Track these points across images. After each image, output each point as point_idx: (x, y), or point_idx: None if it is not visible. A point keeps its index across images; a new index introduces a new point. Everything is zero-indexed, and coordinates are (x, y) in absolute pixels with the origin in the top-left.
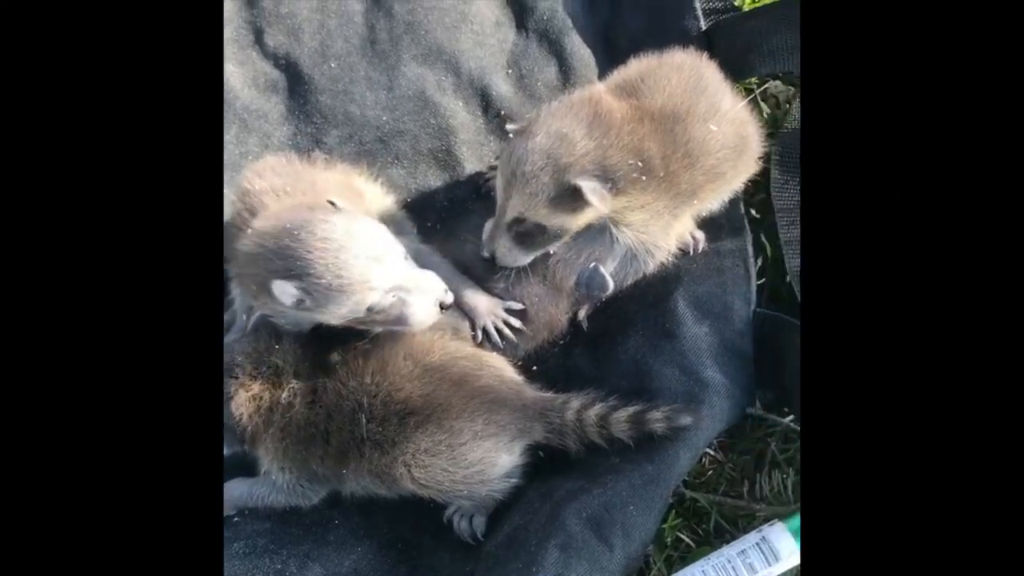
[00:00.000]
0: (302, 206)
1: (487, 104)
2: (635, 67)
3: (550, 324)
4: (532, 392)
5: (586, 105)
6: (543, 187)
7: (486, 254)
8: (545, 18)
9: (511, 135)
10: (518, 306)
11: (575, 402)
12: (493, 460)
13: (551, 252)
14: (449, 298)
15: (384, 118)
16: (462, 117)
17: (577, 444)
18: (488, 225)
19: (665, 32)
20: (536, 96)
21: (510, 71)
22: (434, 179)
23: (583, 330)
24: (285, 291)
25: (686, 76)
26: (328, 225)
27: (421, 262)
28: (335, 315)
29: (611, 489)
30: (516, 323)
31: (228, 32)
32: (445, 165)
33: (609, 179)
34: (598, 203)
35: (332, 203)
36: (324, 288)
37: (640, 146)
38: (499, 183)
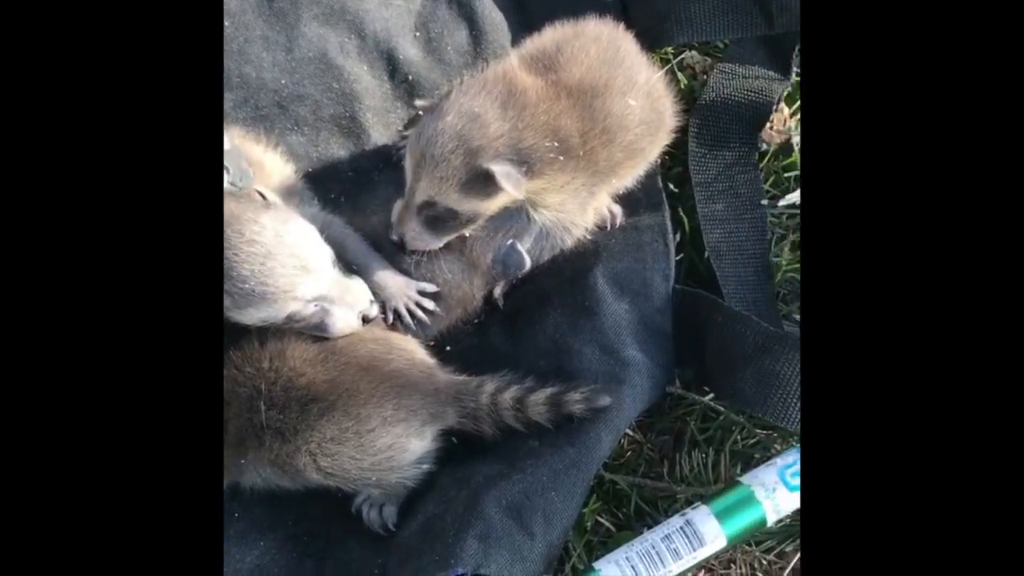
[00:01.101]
0: (228, 196)
1: (394, 69)
2: (550, 36)
3: (464, 301)
4: (444, 375)
5: (500, 83)
6: (454, 171)
7: (395, 237)
8: None
9: (420, 112)
10: (431, 288)
11: (489, 385)
12: (403, 446)
13: (466, 234)
14: (373, 311)
15: (283, 81)
16: (367, 82)
17: (493, 428)
18: (397, 206)
19: None
20: (446, 61)
21: (418, 34)
22: (337, 148)
23: (499, 308)
24: None
25: (604, 48)
26: (257, 227)
27: (329, 234)
28: (252, 318)
29: (531, 475)
30: (429, 305)
31: None
32: (349, 133)
33: (524, 162)
34: (512, 189)
35: (261, 195)
36: (246, 293)
37: (557, 125)
38: (408, 164)
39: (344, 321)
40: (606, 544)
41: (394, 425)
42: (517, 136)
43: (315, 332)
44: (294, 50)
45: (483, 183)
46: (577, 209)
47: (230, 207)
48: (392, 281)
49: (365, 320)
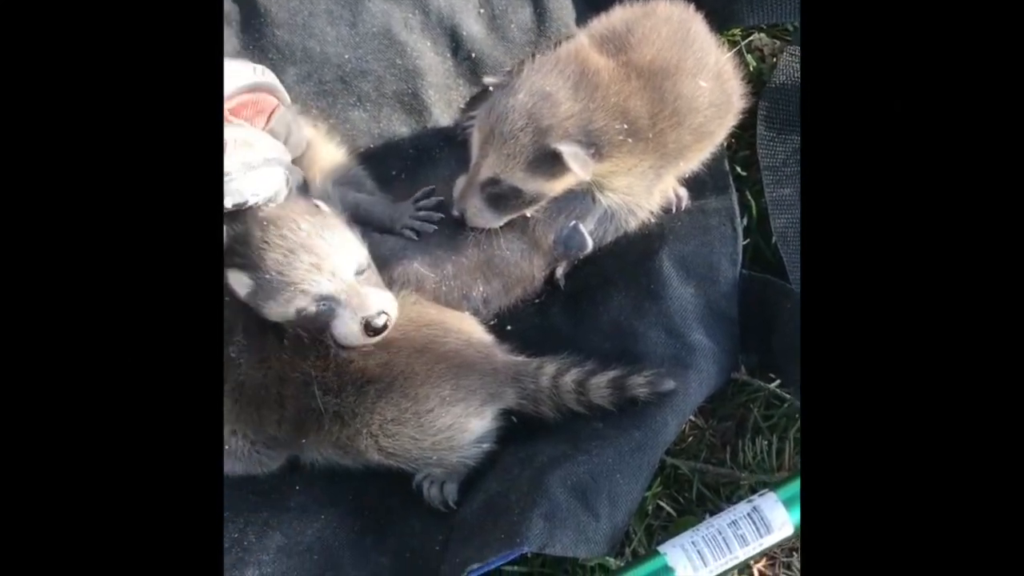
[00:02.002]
0: (294, 203)
1: (457, 45)
2: (620, 16)
3: (524, 281)
4: (503, 355)
5: (572, 62)
6: (522, 149)
7: (456, 212)
8: None
9: (490, 88)
10: (428, 191)
11: (550, 367)
12: (463, 426)
13: (528, 215)
14: (380, 321)
15: (346, 56)
16: (430, 58)
17: (554, 411)
18: (460, 182)
19: None
20: (509, 39)
21: (482, 11)
22: (399, 124)
23: (560, 289)
24: (240, 281)
25: (674, 29)
26: (294, 226)
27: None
28: (272, 312)
29: (597, 456)
30: (434, 216)
31: None
32: (411, 109)
33: (593, 144)
34: (580, 170)
35: (317, 206)
36: (265, 283)
37: (626, 107)
38: (475, 139)
39: (346, 328)
40: (667, 528)
41: (453, 405)
42: (587, 117)
43: (322, 335)
44: (358, 24)
45: (550, 163)
46: (643, 192)
47: (284, 208)
48: (394, 210)
49: (369, 327)
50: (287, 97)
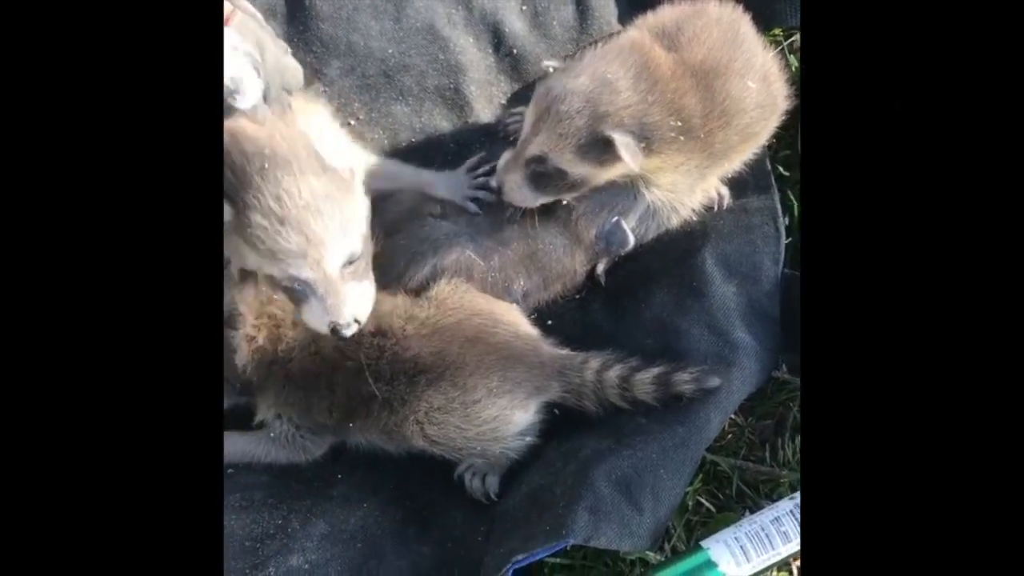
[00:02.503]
0: (307, 148)
1: (499, 42)
2: (670, 14)
3: (564, 276)
4: (549, 349)
5: (636, 53)
6: (575, 131)
7: (494, 183)
8: None
9: (549, 70)
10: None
11: (594, 361)
12: (508, 418)
13: (563, 202)
14: (348, 332)
15: (389, 50)
16: (472, 54)
17: (597, 406)
18: (505, 155)
19: None
20: (551, 36)
21: (524, 7)
22: (440, 119)
23: (601, 285)
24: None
25: (724, 29)
26: (293, 189)
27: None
28: (243, 254)
29: (640, 451)
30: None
31: None
32: (453, 105)
33: (646, 137)
34: (630, 160)
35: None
36: (246, 232)
37: (681, 104)
38: (528, 116)
39: (314, 317)
40: (706, 524)
41: (499, 397)
42: (644, 110)
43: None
44: (402, 20)
45: (600, 150)
46: (687, 190)
47: (294, 152)
48: (443, 179)
49: (335, 332)
50: (251, 8)
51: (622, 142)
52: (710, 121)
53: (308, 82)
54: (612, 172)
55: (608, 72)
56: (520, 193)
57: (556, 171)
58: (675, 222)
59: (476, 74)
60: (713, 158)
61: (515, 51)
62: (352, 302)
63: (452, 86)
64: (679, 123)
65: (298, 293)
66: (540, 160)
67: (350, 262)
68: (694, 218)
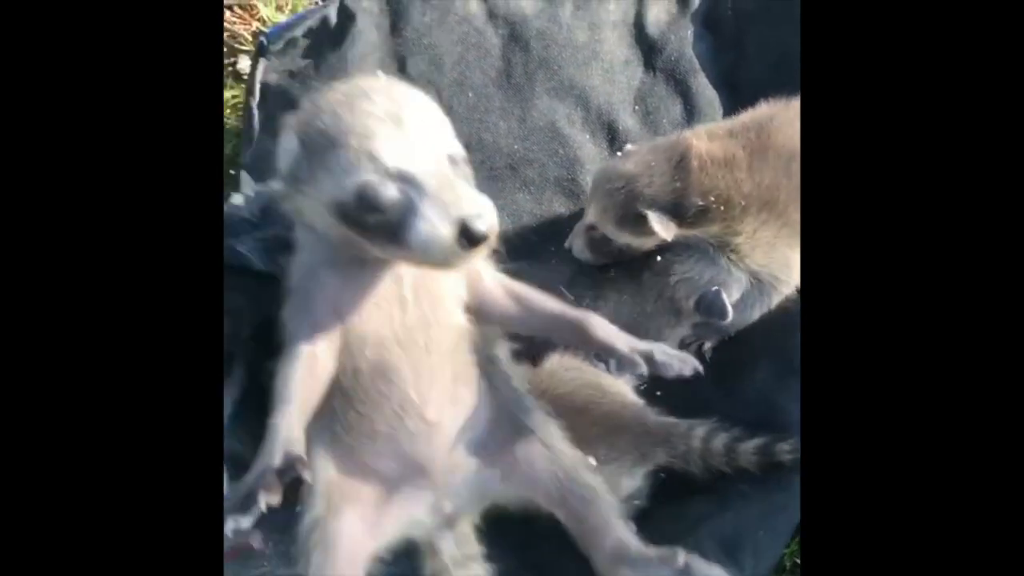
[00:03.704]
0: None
1: (613, 137)
2: (765, 110)
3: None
4: (655, 417)
5: (678, 148)
6: (615, 206)
7: (566, 244)
8: (673, 59)
9: (619, 154)
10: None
11: (700, 430)
12: (615, 484)
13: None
14: (481, 225)
15: (515, 146)
16: (589, 149)
17: (702, 471)
18: (580, 223)
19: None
20: (661, 132)
21: (637, 107)
22: (559, 206)
23: (706, 360)
24: (287, 146)
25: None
26: (379, 97)
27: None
28: (320, 193)
29: (742, 514)
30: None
31: (373, 60)
32: (570, 193)
33: (678, 215)
34: (662, 231)
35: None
36: (321, 146)
37: (714, 186)
38: (590, 191)
39: (431, 227)
40: None
41: (606, 464)
42: (679, 192)
43: (391, 246)
44: (527, 120)
45: (636, 222)
46: (779, 266)
47: (364, 82)
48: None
49: (466, 233)
50: None
51: (654, 217)
52: (791, 200)
53: None
54: (652, 241)
55: (650, 160)
56: (584, 255)
57: (603, 238)
58: (775, 300)
59: (592, 166)
60: (794, 228)
61: (628, 145)
62: (475, 194)
63: (570, 177)
64: (712, 201)
65: (401, 206)
66: (592, 228)
67: (454, 163)
68: (796, 295)
